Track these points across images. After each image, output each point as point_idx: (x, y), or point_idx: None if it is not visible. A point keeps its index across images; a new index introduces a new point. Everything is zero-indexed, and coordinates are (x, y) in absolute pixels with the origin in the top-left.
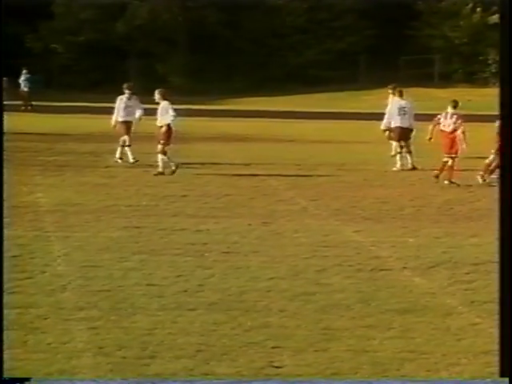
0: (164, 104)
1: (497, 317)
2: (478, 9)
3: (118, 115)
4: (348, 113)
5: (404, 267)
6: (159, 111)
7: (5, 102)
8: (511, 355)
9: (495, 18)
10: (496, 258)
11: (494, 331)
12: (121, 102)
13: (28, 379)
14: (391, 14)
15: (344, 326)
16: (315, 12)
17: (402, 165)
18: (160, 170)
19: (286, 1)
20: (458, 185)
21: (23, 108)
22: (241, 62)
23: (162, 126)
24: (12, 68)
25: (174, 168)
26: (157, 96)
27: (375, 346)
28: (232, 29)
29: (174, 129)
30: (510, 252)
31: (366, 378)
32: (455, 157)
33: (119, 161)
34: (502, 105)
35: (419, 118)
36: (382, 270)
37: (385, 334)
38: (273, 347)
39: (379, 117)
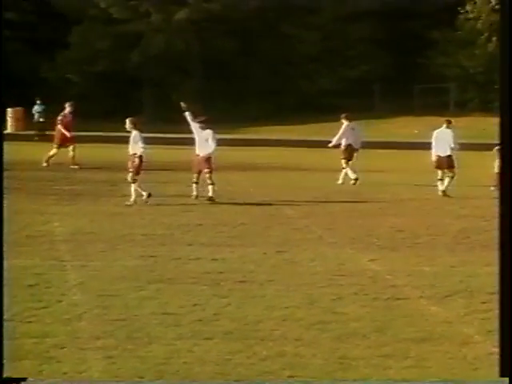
0: (135, 133)
1: None
2: (494, 38)
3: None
4: (363, 141)
5: (420, 296)
6: (131, 140)
7: (21, 132)
8: (511, 356)
9: None
10: None
11: None
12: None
13: (24, 379)
14: (406, 42)
15: (360, 355)
16: (329, 41)
17: (442, 191)
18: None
19: (300, 30)
20: None
21: (36, 138)
22: (255, 91)
23: (133, 155)
24: (28, 97)
25: (144, 197)
26: (128, 125)
27: (391, 375)
28: (246, 57)
29: (144, 159)
30: (510, 248)
31: (366, 380)
32: None
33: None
34: (502, 112)
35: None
36: (398, 298)
37: (401, 363)
38: (289, 376)
39: (394, 145)
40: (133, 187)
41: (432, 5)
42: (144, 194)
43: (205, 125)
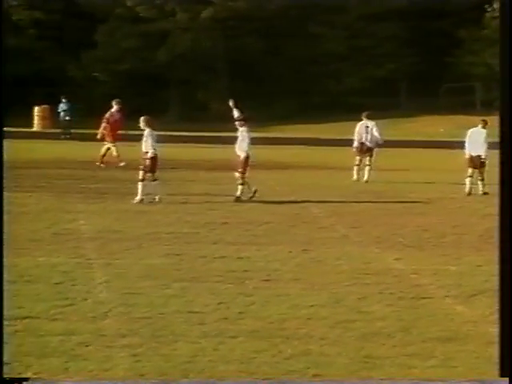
0: (148, 132)
1: None
2: None
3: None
4: (389, 140)
5: (446, 295)
6: (144, 138)
7: (48, 131)
8: (511, 355)
9: None
10: None
11: None
12: (247, 134)
13: (26, 379)
14: (432, 41)
15: (385, 354)
16: (355, 39)
17: (470, 188)
18: (140, 197)
19: (326, 28)
20: None
21: (62, 137)
22: (281, 90)
23: (145, 153)
24: (55, 96)
25: (154, 198)
26: (142, 123)
27: (417, 374)
28: (272, 56)
29: (159, 157)
30: (510, 248)
31: (366, 378)
32: None
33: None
34: (502, 112)
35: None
36: (423, 298)
37: (426, 362)
38: (313, 375)
39: (421, 144)
40: (153, 184)
41: (459, 3)
42: (138, 196)
43: (243, 122)
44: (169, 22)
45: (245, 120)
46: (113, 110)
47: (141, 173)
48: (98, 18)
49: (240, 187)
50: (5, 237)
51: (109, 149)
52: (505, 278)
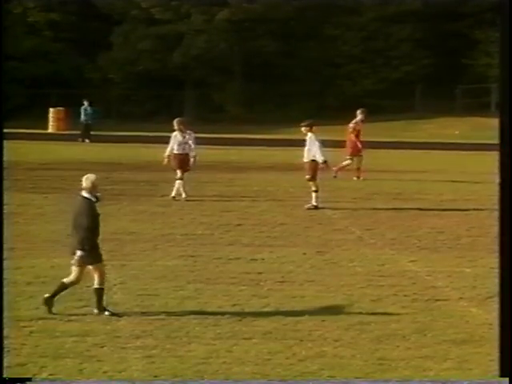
0: (183, 133)
1: None
2: None
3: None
4: (404, 142)
5: (460, 297)
6: (176, 140)
7: (63, 132)
8: (511, 355)
9: None
10: None
11: None
12: (312, 141)
13: (29, 379)
14: (448, 43)
15: (400, 356)
16: (371, 41)
17: None
18: (173, 194)
19: (342, 30)
20: None
21: (80, 139)
22: (296, 91)
23: (181, 154)
24: (72, 98)
25: (184, 196)
26: (176, 126)
27: (431, 376)
28: (288, 58)
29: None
30: (510, 248)
31: (380, 380)
32: None
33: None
34: (502, 112)
35: (477, 147)
36: (438, 300)
37: (441, 364)
38: (328, 376)
39: (436, 146)
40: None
41: (475, 5)
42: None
43: (308, 128)
44: (184, 24)
45: (311, 126)
46: (357, 119)
47: (179, 173)
48: (114, 19)
49: (313, 194)
50: (21, 238)
51: (354, 160)
52: (505, 279)
